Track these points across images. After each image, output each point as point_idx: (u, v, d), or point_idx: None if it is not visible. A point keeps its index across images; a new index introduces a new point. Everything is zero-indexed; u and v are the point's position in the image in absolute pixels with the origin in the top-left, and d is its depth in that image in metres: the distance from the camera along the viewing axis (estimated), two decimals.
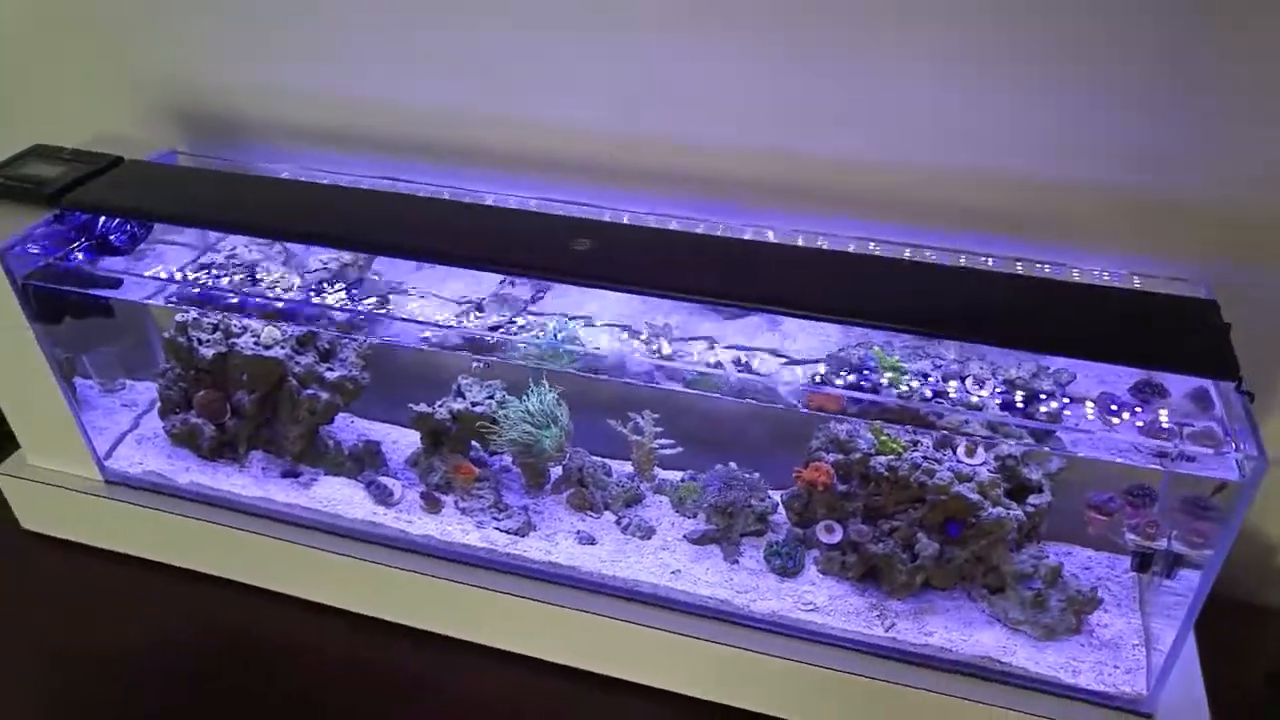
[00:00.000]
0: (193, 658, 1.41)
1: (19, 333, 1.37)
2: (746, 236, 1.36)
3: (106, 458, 1.51)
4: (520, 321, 1.29)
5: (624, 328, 1.28)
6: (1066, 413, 1.15)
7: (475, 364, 1.39)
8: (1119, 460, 1.12)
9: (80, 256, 1.37)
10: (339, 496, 1.44)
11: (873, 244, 1.35)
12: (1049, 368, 1.22)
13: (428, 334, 1.28)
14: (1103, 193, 1.27)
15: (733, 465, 1.40)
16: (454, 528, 1.40)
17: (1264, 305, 1.23)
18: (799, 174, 1.35)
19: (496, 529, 1.39)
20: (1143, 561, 1.27)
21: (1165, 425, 1.11)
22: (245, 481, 1.47)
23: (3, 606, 1.50)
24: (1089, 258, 1.30)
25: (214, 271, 1.37)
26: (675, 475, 1.47)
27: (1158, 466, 1.11)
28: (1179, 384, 1.17)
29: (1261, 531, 1.45)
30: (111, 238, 1.41)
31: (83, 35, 1.56)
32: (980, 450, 1.24)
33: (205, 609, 1.47)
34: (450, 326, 1.27)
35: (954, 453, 1.26)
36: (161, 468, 1.49)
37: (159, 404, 1.52)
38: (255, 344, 1.39)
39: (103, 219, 1.40)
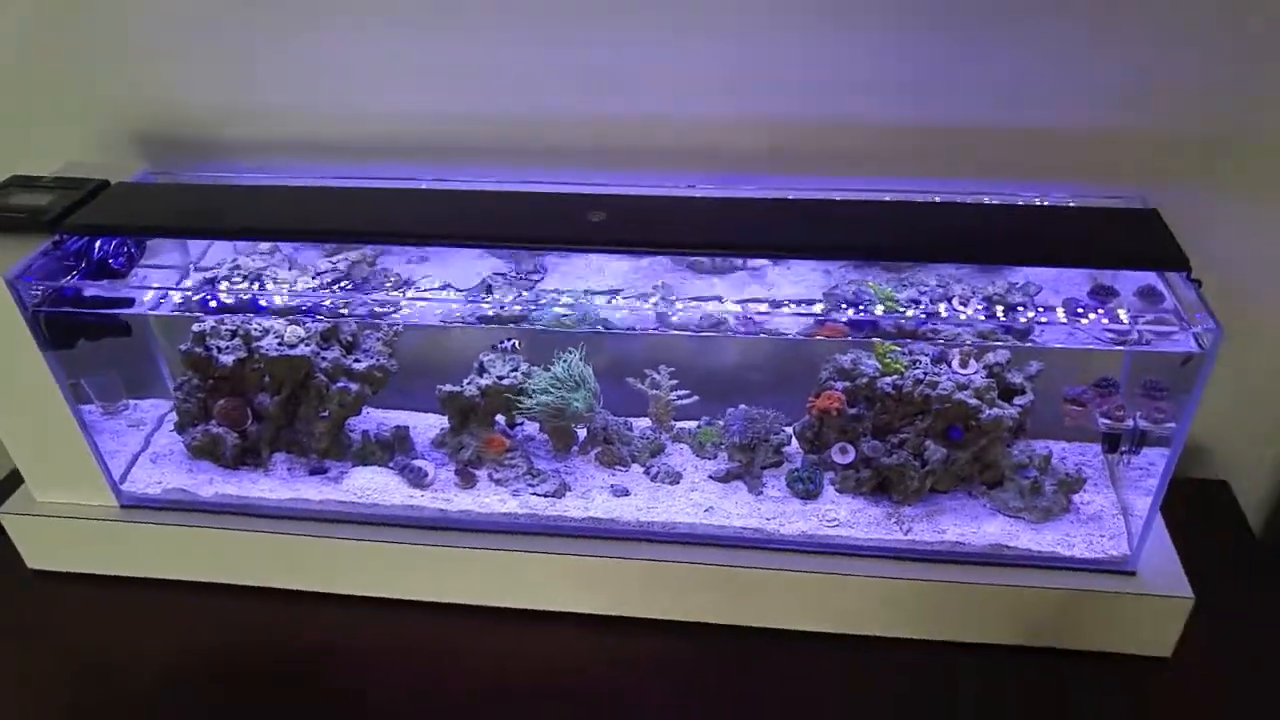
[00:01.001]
0: (243, 673, 1.42)
1: (31, 362, 1.36)
2: (727, 194, 1.46)
3: (121, 481, 1.51)
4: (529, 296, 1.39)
5: (640, 296, 1.39)
6: (1042, 319, 1.32)
7: (503, 343, 1.47)
8: (1094, 348, 1.29)
9: (87, 281, 1.38)
10: (373, 485, 1.49)
11: (837, 194, 1.48)
12: (1017, 283, 1.39)
13: (456, 313, 1.37)
14: (1036, 130, 1.44)
15: (743, 407, 1.52)
16: (492, 499, 1.47)
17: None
18: (776, 138, 1.49)
19: (534, 494, 1.47)
20: (1112, 443, 1.46)
21: (1124, 318, 1.30)
22: (273, 484, 1.50)
23: (28, 649, 1.47)
24: (1028, 188, 1.48)
25: (227, 283, 1.41)
26: (690, 424, 1.59)
27: (1123, 349, 1.30)
28: (1128, 286, 1.35)
29: None
30: (110, 261, 1.42)
31: (38, 65, 1.55)
32: (972, 361, 1.40)
33: (248, 621, 1.48)
34: (489, 304, 1.36)
35: (949, 366, 1.42)
36: (183, 483, 1.51)
37: (176, 418, 1.53)
38: (279, 344, 1.43)
39: (99, 243, 1.40)
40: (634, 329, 1.35)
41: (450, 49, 1.46)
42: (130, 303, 1.40)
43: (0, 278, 1.29)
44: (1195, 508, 1.59)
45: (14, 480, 1.61)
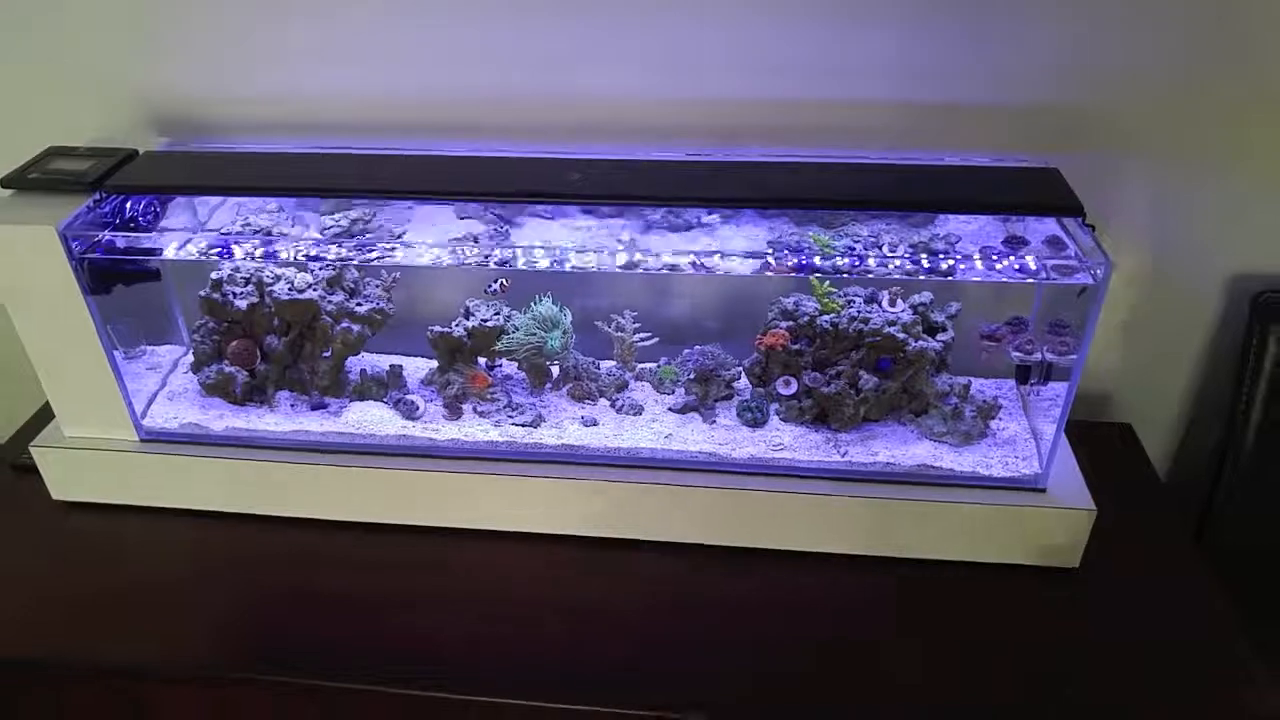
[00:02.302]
0: (251, 593, 1.55)
1: (74, 307, 1.52)
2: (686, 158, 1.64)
3: (142, 417, 1.67)
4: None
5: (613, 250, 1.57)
6: (962, 266, 1.51)
7: (491, 285, 1.64)
8: (1007, 280, 1.48)
9: (119, 234, 1.55)
10: (369, 418, 1.66)
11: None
12: (939, 233, 1.59)
13: (456, 256, 1.55)
14: (948, 105, 1.65)
15: (698, 347, 1.71)
16: (475, 429, 1.65)
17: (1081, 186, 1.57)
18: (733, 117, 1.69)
19: (513, 424, 1.64)
20: (1023, 374, 1.65)
21: (1031, 263, 1.49)
22: (278, 419, 1.67)
23: (52, 575, 1.60)
24: (943, 155, 1.66)
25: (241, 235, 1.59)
26: (651, 364, 1.77)
27: (1031, 281, 1.48)
28: (1037, 237, 1.55)
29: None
30: (140, 218, 1.59)
31: (48, 50, 1.74)
32: (900, 300, 1.59)
33: (255, 546, 1.62)
34: (509, 255, 1.55)
35: (880, 305, 1.60)
36: (196, 419, 1.67)
37: (193, 359, 1.71)
38: (290, 289, 1.61)
39: (130, 203, 1.58)
40: (602, 269, 1.53)
41: (428, 35, 1.65)
42: (160, 251, 1.57)
43: (53, 228, 1.46)
44: (1102, 446, 1.77)
45: (29, 428, 1.80)
